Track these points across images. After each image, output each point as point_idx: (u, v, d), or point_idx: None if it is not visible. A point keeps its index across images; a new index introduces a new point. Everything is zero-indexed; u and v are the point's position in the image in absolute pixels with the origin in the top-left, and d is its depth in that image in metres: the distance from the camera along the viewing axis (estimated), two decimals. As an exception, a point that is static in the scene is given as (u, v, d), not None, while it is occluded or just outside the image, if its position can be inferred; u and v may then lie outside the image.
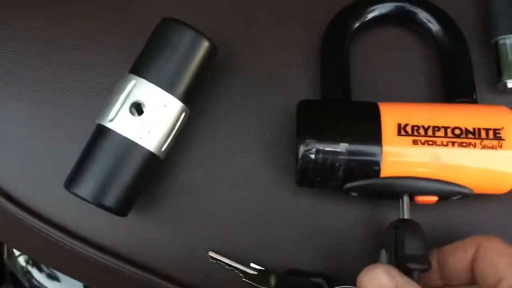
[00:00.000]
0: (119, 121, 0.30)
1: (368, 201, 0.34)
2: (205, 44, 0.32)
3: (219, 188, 0.34)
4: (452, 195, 0.31)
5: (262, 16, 0.37)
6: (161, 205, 0.34)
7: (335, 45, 0.35)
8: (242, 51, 0.36)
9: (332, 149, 0.30)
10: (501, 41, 0.34)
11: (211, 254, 0.34)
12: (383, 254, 0.30)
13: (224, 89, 0.36)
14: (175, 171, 0.35)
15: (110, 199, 0.30)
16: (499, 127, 0.30)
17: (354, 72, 0.35)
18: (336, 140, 0.30)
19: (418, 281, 0.27)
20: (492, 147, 0.30)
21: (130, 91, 0.30)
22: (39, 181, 0.35)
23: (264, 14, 0.37)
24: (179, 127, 0.32)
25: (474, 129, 0.30)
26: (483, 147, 0.30)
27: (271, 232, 0.34)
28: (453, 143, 0.30)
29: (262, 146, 0.35)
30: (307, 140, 0.30)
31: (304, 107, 0.32)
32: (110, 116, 0.30)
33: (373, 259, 0.30)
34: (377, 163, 0.30)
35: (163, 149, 0.31)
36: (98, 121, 0.31)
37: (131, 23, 0.37)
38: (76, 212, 0.34)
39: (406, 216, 0.31)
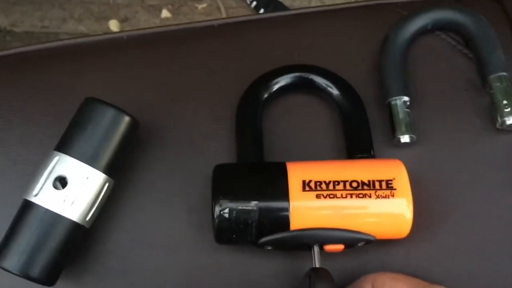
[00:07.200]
0: (43, 195, 0.32)
1: (285, 252, 0.36)
2: (125, 119, 0.35)
3: (146, 252, 0.37)
4: (356, 242, 0.34)
5: (184, 91, 0.41)
6: (89, 271, 0.36)
7: (248, 114, 0.38)
8: (165, 122, 0.40)
9: (244, 207, 0.33)
10: (392, 102, 0.39)
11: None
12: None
13: (149, 158, 0.39)
14: (103, 237, 0.37)
15: (36, 270, 0.32)
16: (391, 178, 0.34)
17: (267, 136, 0.39)
18: (248, 199, 0.33)
19: None
20: (385, 197, 0.33)
21: (54, 166, 0.33)
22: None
23: (186, 89, 0.41)
24: (103, 196, 0.34)
25: (369, 181, 0.34)
26: (378, 197, 0.33)
27: (198, 290, 0.36)
28: (351, 195, 0.33)
29: (186, 210, 0.37)
30: (221, 201, 0.33)
31: (218, 171, 0.35)
32: (35, 191, 0.32)
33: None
34: (286, 218, 0.33)
35: (87, 218, 0.33)
36: (24, 196, 0.33)
37: (63, 103, 0.40)
38: (9, 283, 0.35)
39: (317, 265, 0.34)
